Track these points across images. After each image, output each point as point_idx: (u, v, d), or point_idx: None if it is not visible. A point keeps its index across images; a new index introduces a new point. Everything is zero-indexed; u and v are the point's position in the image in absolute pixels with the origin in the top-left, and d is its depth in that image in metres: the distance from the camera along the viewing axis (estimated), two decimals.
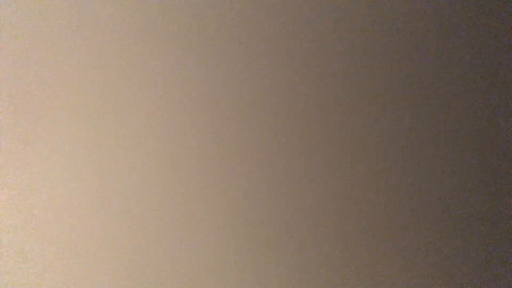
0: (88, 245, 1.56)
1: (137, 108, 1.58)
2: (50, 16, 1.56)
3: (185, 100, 1.60)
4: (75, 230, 1.56)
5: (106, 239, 1.57)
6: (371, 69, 1.67)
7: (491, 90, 1.71)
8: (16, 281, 1.53)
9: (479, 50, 1.70)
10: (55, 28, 1.56)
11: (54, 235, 1.55)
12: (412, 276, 1.67)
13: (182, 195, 1.60)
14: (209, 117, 1.61)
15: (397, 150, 1.67)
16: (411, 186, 1.67)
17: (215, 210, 1.61)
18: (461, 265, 1.68)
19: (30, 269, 1.54)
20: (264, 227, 1.62)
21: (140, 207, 1.58)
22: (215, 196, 1.61)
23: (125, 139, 1.58)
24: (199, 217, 1.60)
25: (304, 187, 1.63)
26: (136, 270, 1.58)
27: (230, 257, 1.61)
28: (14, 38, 1.55)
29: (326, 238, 1.64)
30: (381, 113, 1.67)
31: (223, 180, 1.61)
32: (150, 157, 1.58)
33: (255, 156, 1.62)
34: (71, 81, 1.57)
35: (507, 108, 1.71)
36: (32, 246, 1.54)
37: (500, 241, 1.70)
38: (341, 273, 1.64)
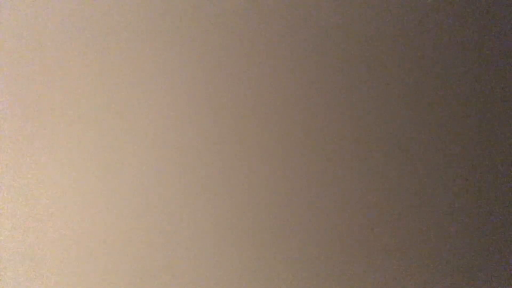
0: (90, 246, 1.56)
1: (140, 108, 1.59)
2: (52, 16, 1.56)
3: (188, 101, 1.60)
4: (77, 231, 1.56)
5: (108, 240, 1.57)
6: (371, 69, 1.67)
7: (491, 90, 1.71)
8: (17, 281, 1.54)
9: (479, 50, 1.71)
10: (57, 27, 1.56)
11: (57, 236, 1.55)
12: (412, 276, 1.67)
13: (185, 196, 1.60)
14: (211, 118, 1.61)
15: (397, 151, 1.67)
16: (412, 186, 1.67)
17: (217, 210, 1.61)
18: (461, 265, 1.68)
19: (31, 269, 1.54)
20: (266, 227, 1.62)
21: (142, 207, 1.58)
22: (218, 196, 1.61)
23: (127, 139, 1.58)
24: (202, 217, 1.60)
25: (305, 187, 1.63)
26: (139, 270, 1.58)
27: (232, 257, 1.61)
28: (15, 38, 1.55)
29: (326, 238, 1.64)
30: (381, 113, 1.67)
31: (225, 180, 1.61)
32: (152, 157, 1.59)
33: (257, 156, 1.62)
34: (73, 81, 1.57)
35: (507, 108, 1.71)
36: (34, 246, 1.54)
37: (500, 241, 1.70)
38: (342, 273, 1.64)
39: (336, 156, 1.65)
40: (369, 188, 1.66)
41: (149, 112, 1.59)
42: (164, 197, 1.59)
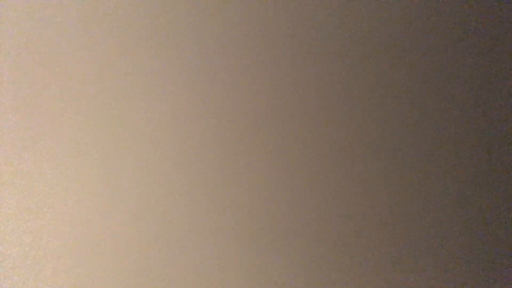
0: (91, 246, 1.56)
1: (140, 108, 1.59)
2: (53, 16, 1.56)
3: (188, 101, 1.60)
4: (77, 231, 1.56)
5: (109, 241, 1.57)
6: (372, 70, 1.67)
7: (491, 90, 1.71)
8: (17, 281, 1.54)
9: (479, 50, 1.71)
10: (58, 27, 1.56)
11: (57, 236, 1.55)
12: (412, 276, 1.67)
13: (185, 195, 1.60)
14: (212, 118, 1.61)
15: (397, 151, 1.67)
16: (411, 186, 1.67)
17: (218, 210, 1.61)
18: (461, 265, 1.68)
19: (31, 269, 1.54)
20: (266, 227, 1.62)
21: (143, 207, 1.58)
22: (219, 196, 1.61)
23: (127, 139, 1.58)
24: (203, 217, 1.60)
25: (305, 188, 1.63)
26: (139, 270, 1.58)
27: (232, 258, 1.61)
28: (17, 38, 1.55)
29: (327, 238, 1.64)
30: (381, 113, 1.67)
31: (226, 181, 1.61)
32: (153, 157, 1.59)
33: (257, 157, 1.62)
34: (74, 81, 1.57)
35: (507, 108, 1.71)
36: (34, 246, 1.54)
37: (500, 241, 1.70)
38: (342, 274, 1.64)
39: (336, 156, 1.65)
40: (369, 189, 1.66)
41: (150, 112, 1.59)
42: (164, 196, 1.59)
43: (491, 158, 1.70)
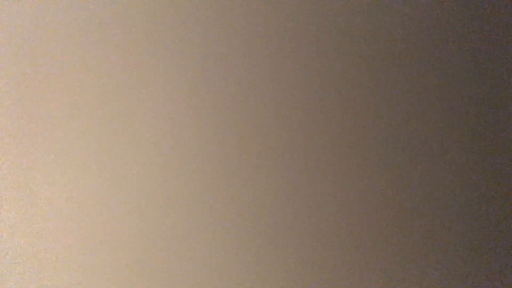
0: (91, 246, 1.56)
1: (140, 108, 1.58)
2: (52, 15, 1.56)
3: (188, 102, 1.60)
4: (77, 231, 1.56)
5: (108, 241, 1.57)
6: (372, 70, 1.67)
7: (491, 90, 1.71)
8: (17, 281, 1.53)
9: (479, 50, 1.71)
10: (57, 27, 1.56)
11: (57, 236, 1.55)
12: (412, 276, 1.67)
13: (184, 196, 1.60)
14: (211, 118, 1.61)
15: (396, 151, 1.67)
16: (411, 186, 1.67)
17: (217, 211, 1.61)
18: (461, 265, 1.69)
19: (31, 269, 1.54)
20: (266, 228, 1.62)
21: (143, 207, 1.58)
22: (217, 197, 1.61)
23: (127, 139, 1.58)
24: (203, 217, 1.60)
25: (305, 188, 1.64)
26: (139, 270, 1.58)
27: (232, 258, 1.61)
28: (15, 38, 1.55)
29: (326, 238, 1.64)
30: (381, 113, 1.67)
31: (225, 181, 1.61)
32: (153, 157, 1.58)
33: (257, 157, 1.62)
34: (74, 81, 1.57)
35: (507, 108, 1.71)
36: (34, 246, 1.54)
37: (500, 241, 1.70)
38: (341, 273, 1.65)
39: (336, 157, 1.65)
40: (368, 189, 1.66)
41: (150, 112, 1.59)
42: (164, 196, 1.59)
43: (491, 158, 1.71)
